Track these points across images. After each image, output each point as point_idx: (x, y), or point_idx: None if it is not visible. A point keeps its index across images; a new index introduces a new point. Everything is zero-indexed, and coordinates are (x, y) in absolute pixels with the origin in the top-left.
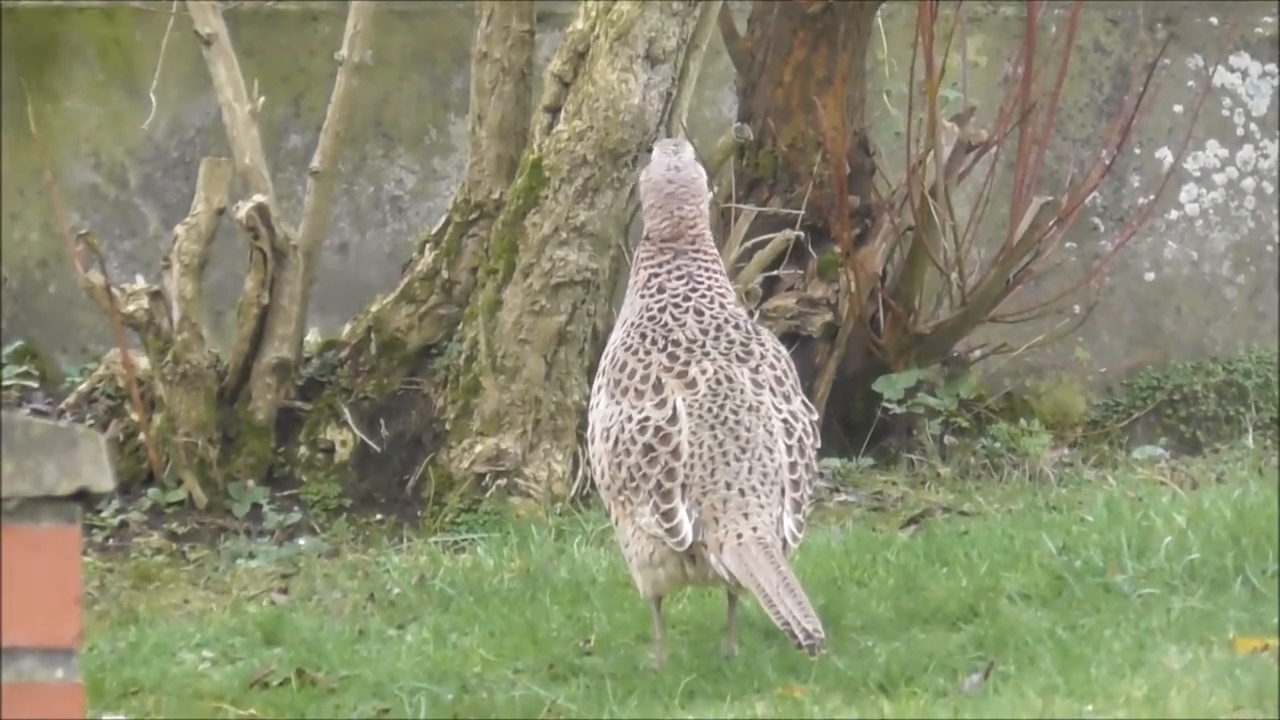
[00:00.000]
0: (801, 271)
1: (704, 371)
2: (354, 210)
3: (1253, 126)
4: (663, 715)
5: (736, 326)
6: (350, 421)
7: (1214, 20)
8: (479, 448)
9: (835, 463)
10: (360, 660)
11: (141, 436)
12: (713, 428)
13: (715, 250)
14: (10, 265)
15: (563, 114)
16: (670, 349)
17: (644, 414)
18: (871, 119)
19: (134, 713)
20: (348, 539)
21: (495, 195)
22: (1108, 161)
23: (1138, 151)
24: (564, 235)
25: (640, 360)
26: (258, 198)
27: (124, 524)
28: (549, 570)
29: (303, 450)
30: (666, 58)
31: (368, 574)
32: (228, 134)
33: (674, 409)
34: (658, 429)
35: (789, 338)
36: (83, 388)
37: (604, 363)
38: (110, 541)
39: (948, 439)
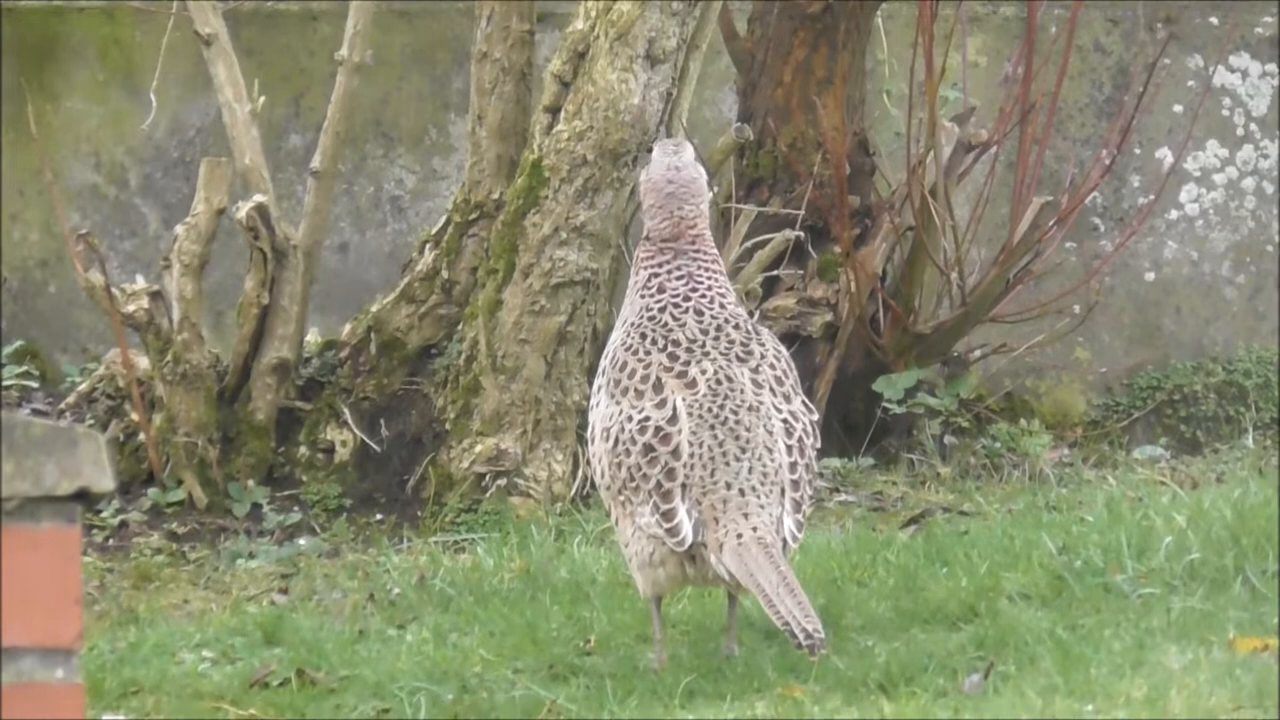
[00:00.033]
0: (801, 271)
1: (704, 371)
2: (354, 210)
3: (1253, 126)
4: (663, 715)
5: (736, 326)
6: (350, 421)
7: (1214, 20)
8: (479, 448)
9: (835, 463)
10: (360, 660)
11: (141, 436)
12: (713, 428)
13: (715, 250)
14: (10, 265)
15: (563, 114)
16: (670, 349)
17: (644, 414)
18: (871, 119)
19: (134, 713)
20: (348, 539)
21: (495, 195)
22: (1108, 161)
23: (1138, 151)
24: (564, 235)
25: (640, 360)
26: (258, 198)
27: (124, 524)
28: (549, 570)
29: (303, 450)
30: (666, 58)
31: (368, 574)
32: (228, 134)
33: (674, 409)
34: (658, 429)
35: (789, 338)
36: (83, 388)
37: (604, 363)
38: (110, 541)
39: (948, 439)
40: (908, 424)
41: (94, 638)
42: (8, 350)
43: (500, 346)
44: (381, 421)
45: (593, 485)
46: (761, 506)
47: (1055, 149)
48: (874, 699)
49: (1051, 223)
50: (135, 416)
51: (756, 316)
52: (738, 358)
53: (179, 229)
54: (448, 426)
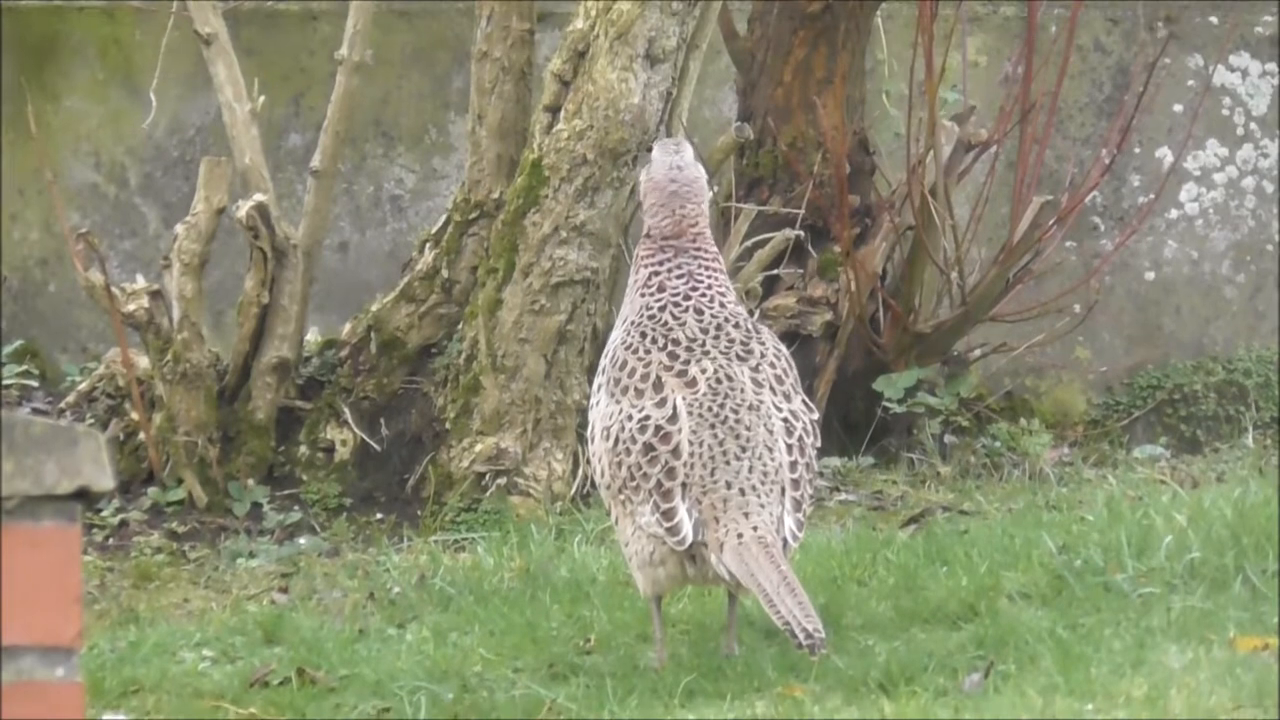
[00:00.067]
0: (802, 271)
1: (704, 370)
2: (354, 209)
3: (1253, 126)
4: (663, 714)
5: (736, 325)
6: (350, 421)
7: (1214, 20)
8: (479, 447)
9: (835, 462)
10: (360, 659)
11: (141, 436)
12: (713, 427)
13: (716, 249)
14: (10, 264)
15: (563, 113)
16: (670, 348)
17: (644, 413)
18: (871, 118)
19: (134, 712)
20: (348, 538)
21: (495, 194)
22: (1108, 161)
23: (1138, 151)
24: (564, 234)
25: (640, 359)
26: (258, 197)
27: (124, 523)
28: (549, 569)
29: (303, 449)
30: (666, 57)
31: (368, 573)
32: (228, 133)
33: (674, 408)
34: (658, 428)
35: (789, 337)
36: (83, 387)
37: (604, 361)
38: (110, 540)
39: (948, 438)
40: (908, 423)
41: (94, 637)
42: (8, 349)
43: (500, 346)
44: (381, 421)
45: (593, 484)
46: (762, 506)
47: (1055, 148)
48: (874, 698)
49: (1051, 222)
50: (135, 416)
51: (756, 315)
52: (738, 357)
53: (179, 228)
54: (448, 426)
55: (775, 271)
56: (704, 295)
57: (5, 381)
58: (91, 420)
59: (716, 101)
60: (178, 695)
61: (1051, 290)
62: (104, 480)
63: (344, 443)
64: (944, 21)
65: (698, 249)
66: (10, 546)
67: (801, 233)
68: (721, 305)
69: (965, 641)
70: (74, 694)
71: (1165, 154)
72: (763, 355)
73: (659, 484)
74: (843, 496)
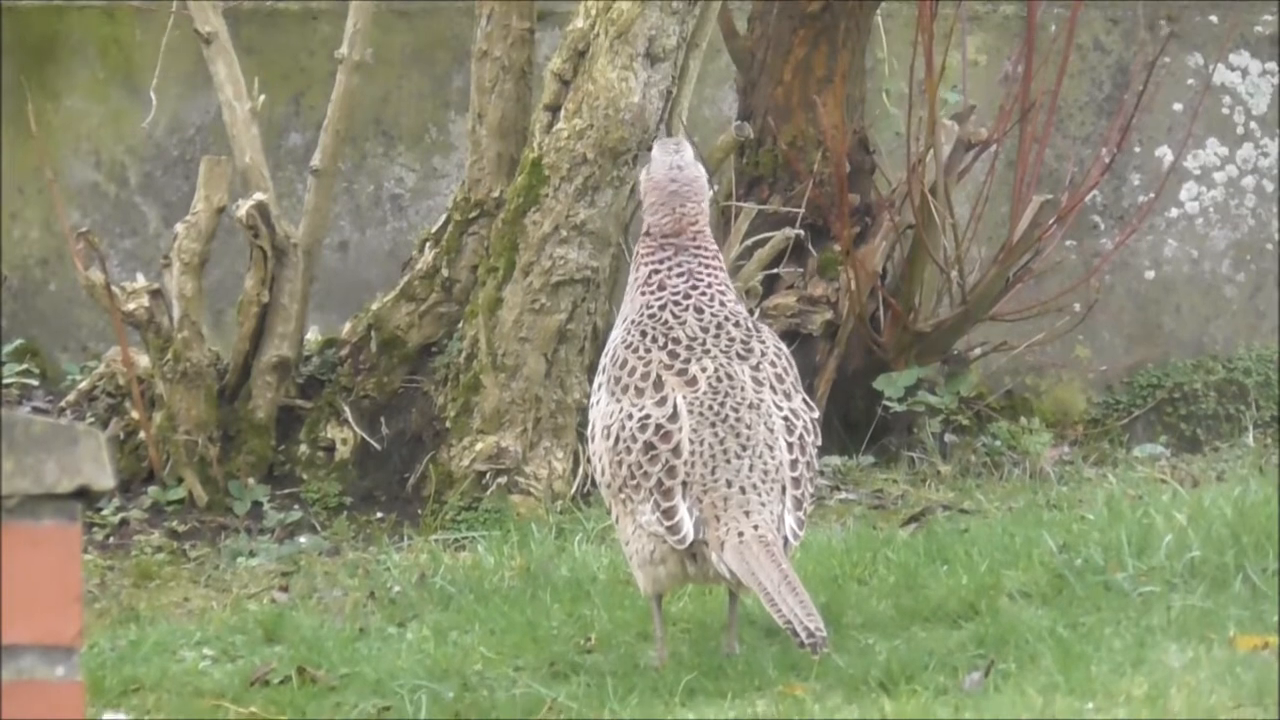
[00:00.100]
0: (802, 270)
1: (704, 369)
2: (354, 208)
3: (1253, 125)
4: (663, 713)
5: (737, 324)
6: (351, 419)
7: (1214, 19)
8: (479, 446)
9: (836, 461)
10: (361, 658)
11: (142, 434)
12: (713, 425)
13: (716, 247)
14: (10, 263)
15: (563, 112)
16: (671, 346)
17: (644, 412)
18: (871, 117)
19: (134, 710)
20: (348, 537)
21: (495, 193)
22: (1108, 160)
23: (1138, 150)
24: (564, 233)
25: (641, 358)
26: (258, 196)
27: (124, 522)
28: (549, 568)
29: (303, 448)
30: (666, 56)
31: (368, 572)
32: (228, 132)
33: (674, 407)
34: (658, 427)
35: (789, 336)
36: (83, 386)
37: (604, 360)
38: (111, 539)
39: (948, 437)
40: (908, 422)
41: (94, 635)
42: (8, 348)
43: (500, 345)
44: (382, 419)
45: (593, 483)
46: (762, 504)
47: (1055, 147)
48: (875, 697)
49: (1051, 221)
50: (135, 414)
51: (757, 314)
52: (738, 355)
53: (179, 227)
54: (448, 424)
55: (775, 270)
56: (704, 294)
57: (5, 380)
58: (92, 419)
59: (717, 100)
60: (178, 694)
61: (1052, 289)
62: (104, 479)
63: (344, 441)
64: (944, 20)
65: (698, 247)
66: (10, 545)
67: (801, 232)
68: (722, 304)
69: (966, 640)
70: (74, 693)
71: (1165, 153)
72: (763, 354)
73: (659, 482)
74: (843, 495)
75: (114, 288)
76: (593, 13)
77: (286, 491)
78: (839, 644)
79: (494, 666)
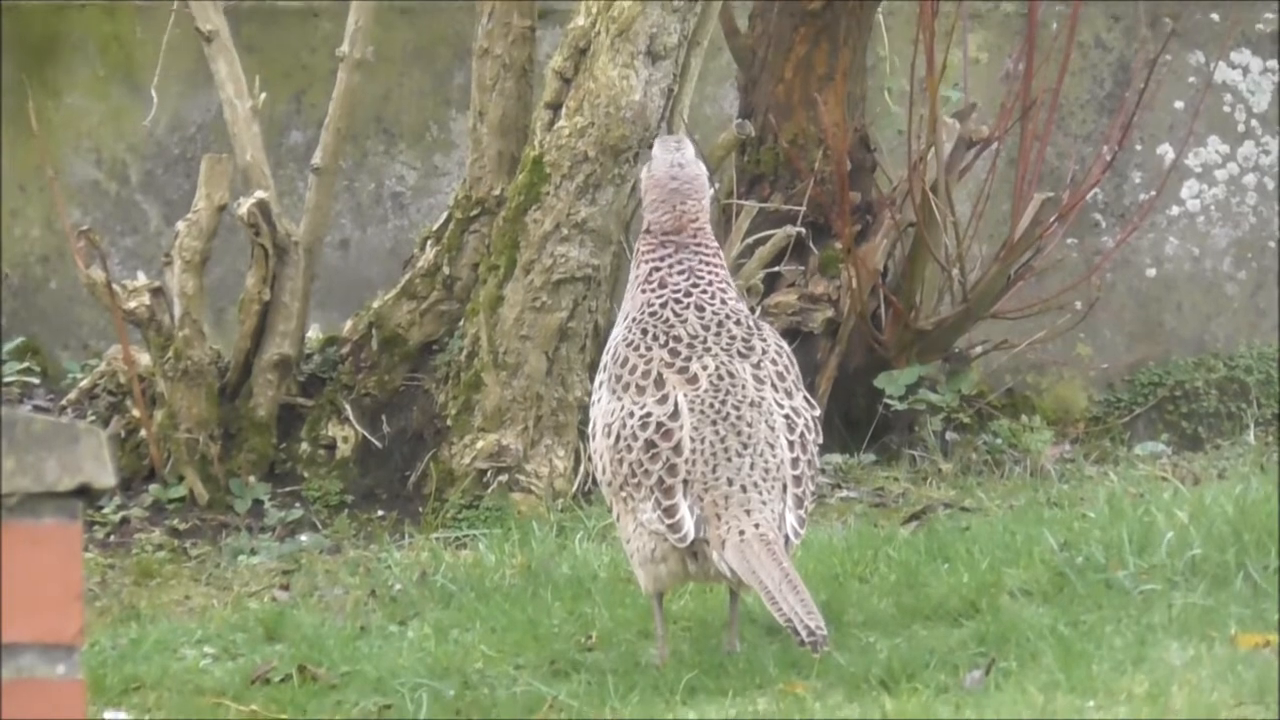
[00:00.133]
0: (803, 268)
1: (705, 367)
2: (355, 206)
3: (1254, 123)
4: (664, 711)
5: (738, 322)
6: (352, 418)
7: (1215, 16)
8: (480, 444)
9: (837, 459)
10: (361, 656)
11: (143, 433)
12: (714, 423)
13: (716, 244)
14: (11, 261)
15: (564, 110)
16: (672, 345)
17: (645, 410)
18: (873, 115)
19: (135, 709)
20: (349, 535)
21: (496, 191)
22: (1109, 158)
23: (1139, 148)
24: (565, 231)
25: (642, 356)
26: (259, 194)
27: (125, 520)
28: (550, 566)
29: (304, 446)
30: (668, 54)
31: (369, 570)
32: (229, 130)
33: (675, 405)
34: (659, 425)
35: (790, 334)
36: (84, 384)
37: (605, 358)
38: (112, 538)
39: (949, 435)
40: (909, 420)
41: (95, 634)
42: (9, 346)
43: (502, 343)
44: (383, 418)
45: (594, 481)
46: (763, 503)
47: (1056, 145)
48: (875, 695)
49: (1053, 219)
50: (136, 412)
51: (758, 312)
52: (739, 353)
53: (180, 225)
54: (449, 423)
55: (776, 268)
56: (705, 291)
57: (6, 378)
58: (93, 417)
59: (718, 98)
60: (179, 692)
61: (1053, 287)
62: (105, 477)
63: (345, 440)
64: (945, 18)
65: (699, 244)
66: (11, 544)
67: (803, 230)
68: (723, 302)
69: (966, 638)
70: (75, 691)
71: (1166, 151)
72: (764, 352)
73: (660, 481)
74: (844, 493)
75: (115, 286)
76: (594, 11)
77: (287, 489)
78: (840, 642)
79: (495, 664)
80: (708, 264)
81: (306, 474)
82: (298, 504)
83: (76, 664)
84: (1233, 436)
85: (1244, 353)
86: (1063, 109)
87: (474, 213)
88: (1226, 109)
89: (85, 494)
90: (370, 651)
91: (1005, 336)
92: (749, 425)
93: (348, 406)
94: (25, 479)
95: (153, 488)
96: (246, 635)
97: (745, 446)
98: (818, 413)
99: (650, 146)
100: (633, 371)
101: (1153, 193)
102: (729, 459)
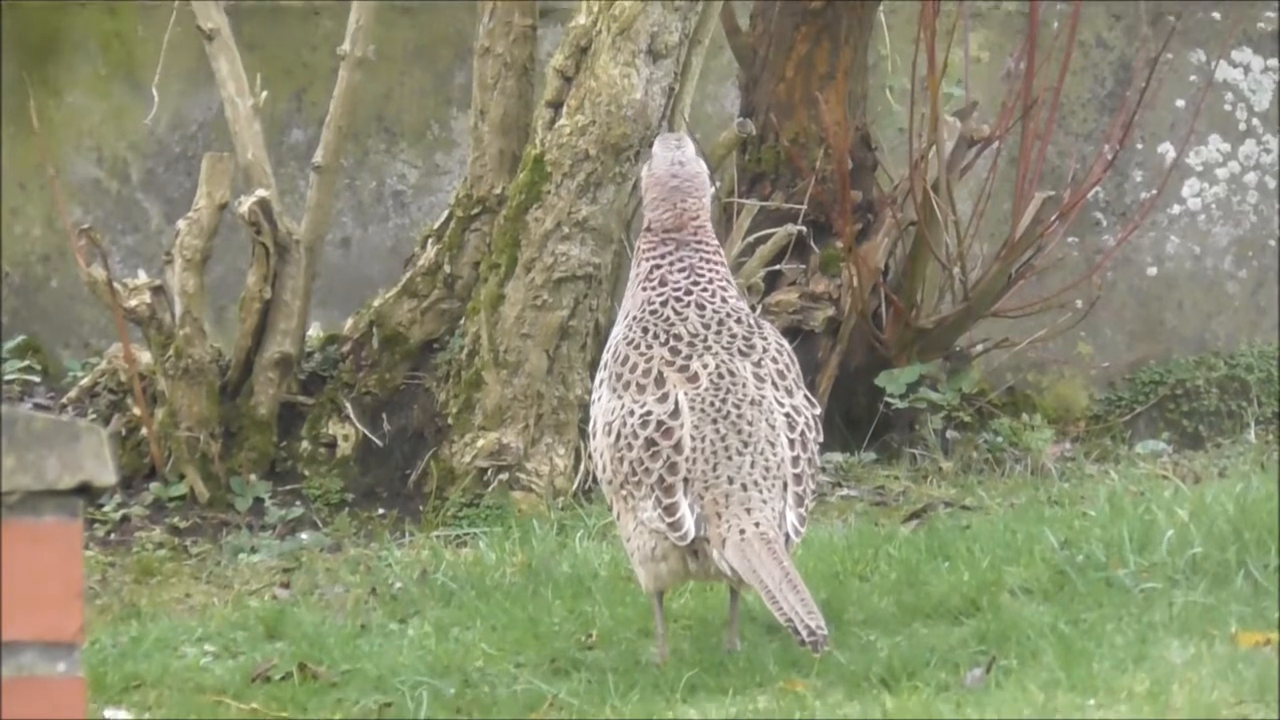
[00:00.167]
0: (804, 266)
1: (706, 366)
2: (356, 205)
3: (1255, 121)
4: (665, 710)
5: (738, 321)
6: (352, 416)
7: (1216, 15)
8: (481, 442)
9: (837, 457)
10: (362, 655)
11: (143, 431)
12: (715, 422)
13: (717, 242)
14: (12, 260)
15: (565, 109)
16: (672, 343)
17: (646, 408)
18: (874, 114)
19: (135, 707)
20: (350, 533)
21: (497, 190)
22: (1110, 157)
23: (1140, 146)
24: (566, 230)
25: (642, 354)
26: (260, 192)
27: (126, 518)
28: (551, 565)
29: (305, 445)
30: (669, 53)
31: (369, 568)
32: (230, 129)
33: (676, 403)
34: (660, 423)
35: (791, 332)
36: (84, 382)
37: (606, 357)
38: (112, 536)
39: (950, 434)
40: (910, 419)
41: (96, 632)
42: (9, 345)
43: (502, 341)
44: (383, 416)
45: (595, 480)
46: (764, 501)
47: (1057, 144)
48: (876, 693)
49: (1054, 218)
50: (137, 411)
51: (759, 311)
52: (740, 352)
53: (181, 224)
54: (450, 421)
55: (777, 267)
56: (705, 290)
57: (7, 377)
58: (93, 415)
59: (719, 97)
60: (179, 690)
61: (1054, 286)
62: (106, 475)
63: (346, 438)
64: (946, 17)
65: (699, 242)
66: (11, 542)
67: (804, 228)
68: (723, 300)
69: (967, 637)
70: (75, 689)
71: (1167, 149)
72: (764, 350)
73: (661, 479)
74: (845, 492)
75: (116, 284)
76: (595, 9)
77: (288, 488)
78: (840, 641)
79: (495, 663)
80: (708, 262)
81: (307, 472)
82: (298, 502)
83: (77, 662)
84: (1233, 435)
85: (1245, 351)
86: (1064, 108)
87: (475, 211)
88: (1227, 108)
89: (86, 492)
90: (371, 649)
91: (1006, 335)
92: (749, 424)
93: (348, 405)
94: (26, 477)
95: (153, 486)
96: (247, 633)
97: (746, 445)
98: (818, 411)
99: (651, 145)
100: (633, 370)
101: (1154, 191)
102: (729, 457)
